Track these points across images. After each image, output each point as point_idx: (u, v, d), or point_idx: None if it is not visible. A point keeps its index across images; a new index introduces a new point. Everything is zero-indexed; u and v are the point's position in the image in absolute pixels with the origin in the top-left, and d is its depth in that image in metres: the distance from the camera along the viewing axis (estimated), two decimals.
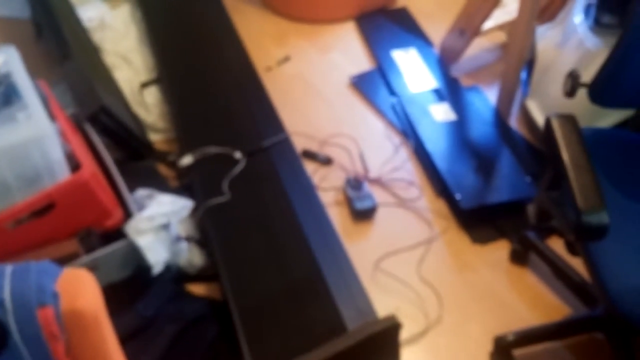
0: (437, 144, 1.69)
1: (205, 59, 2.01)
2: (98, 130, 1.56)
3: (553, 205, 1.02)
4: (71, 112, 1.57)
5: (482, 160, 1.64)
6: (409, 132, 1.78)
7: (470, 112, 1.82)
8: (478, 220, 1.53)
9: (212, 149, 1.61)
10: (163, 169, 1.69)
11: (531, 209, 1.10)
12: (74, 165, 1.27)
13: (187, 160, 1.58)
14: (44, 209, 1.20)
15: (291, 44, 2.20)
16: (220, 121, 1.76)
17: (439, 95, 1.88)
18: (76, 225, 1.28)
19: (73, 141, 1.30)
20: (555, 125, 0.98)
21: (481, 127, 1.76)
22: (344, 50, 2.17)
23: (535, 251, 1.42)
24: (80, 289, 0.69)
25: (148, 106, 1.89)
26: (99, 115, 1.54)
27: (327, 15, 2.30)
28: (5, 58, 1.22)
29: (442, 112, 1.81)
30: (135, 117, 1.83)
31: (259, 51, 2.13)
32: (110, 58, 2.09)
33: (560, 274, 1.35)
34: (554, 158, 0.97)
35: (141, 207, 1.38)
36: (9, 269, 0.67)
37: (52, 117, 1.31)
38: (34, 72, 1.36)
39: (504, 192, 1.54)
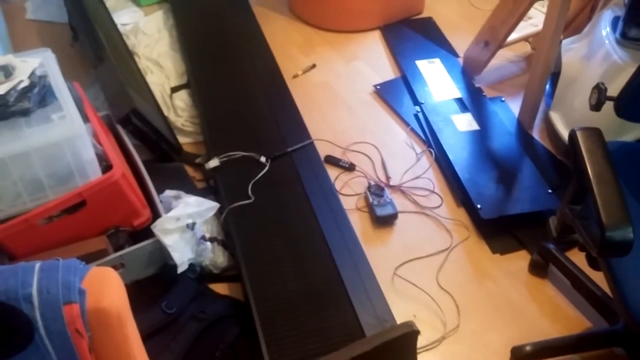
0: (459, 153, 1.71)
1: (234, 65, 2.06)
2: (129, 132, 1.62)
3: (576, 220, 1.02)
4: (104, 113, 1.63)
5: (503, 170, 1.65)
6: (431, 141, 1.80)
7: (492, 123, 1.82)
8: (498, 230, 1.54)
9: (238, 153, 1.65)
10: (190, 171, 1.74)
11: (553, 222, 1.10)
12: (105, 165, 1.32)
13: (213, 163, 1.62)
14: (75, 206, 1.25)
15: (317, 52, 2.23)
16: (247, 126, 1.80)
17: (462, 105, 1.90)
18: (105, 224, 1.33)
19: (105, 142, 1.35)
20: (580, 139, 0.98)
21: (503, 137, 1.77)
22: (369, 59, 2.19)
23: (555, 263, 1.41)
24: (106, 288, 0.72)
25: (178, 110, 1.94)
26: (130, 118, 1.59)
27: (353, 25, 2.33)
28: (42, 60, 1.28)
29: (465, 122, 1.82)
30: (165, 120, 1.88)
31: (286, 59, 2.17)
32: (143, 62, 2.16)
33: (580, 287, 1.35)
34: (578, 171, 0.97)
35: (168, 207, 1.43)
36: (37, 265, 0.71)
37: (85, 118, 1.37)
38: (69, 74, 1.42)
39: (525, 203, 1.55)
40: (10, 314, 0.66)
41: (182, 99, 1.97)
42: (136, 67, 2.10)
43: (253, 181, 1.57)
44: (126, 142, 1.58)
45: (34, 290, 0.68)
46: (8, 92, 1.14)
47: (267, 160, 1.63)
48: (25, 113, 1.16)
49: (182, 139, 1.87)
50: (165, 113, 1.94)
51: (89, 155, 1.21)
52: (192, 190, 1.62)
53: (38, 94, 1.20)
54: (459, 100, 1.91)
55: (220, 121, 1.82)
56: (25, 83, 1.18)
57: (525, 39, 2.10)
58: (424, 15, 2.40)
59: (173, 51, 2.19)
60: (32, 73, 1.21)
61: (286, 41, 2.29)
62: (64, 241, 1.28)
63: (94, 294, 0.71)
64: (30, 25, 2.42)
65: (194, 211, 1.38)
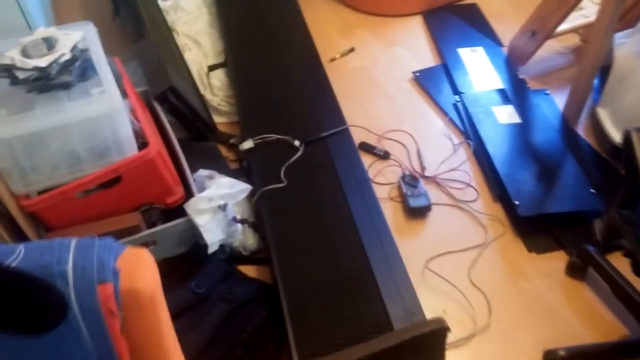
0: (498, 147, 1.65)
1: (272, 46, 2.04)
2: (166, 109, 1.62)
3: (625, 225, 0.97)
4: (141, 89, 1.63)
5: (544, 166, 1.59)
6: (469, 132, 1.75)
7: (535, 116, 1.76)
8: (536, 228, 1.49)
9: (273, 136, 1.63)
10: (224, 151, 1.73)
11: (598, 226, 1.06)
12: (142, 142, 1.32)
13: (247, 144, 1.61)
14: (110, 182, 1.25)
15: (356, 36, 2.19)
16: (282, 108, 1.79)
17: (504, 96, 1.83)
18: (140, 200, 1.33)
19: (142, 119, 1.35)
20: (635, 140, 0.94)
21: (546, 132, 1.71)
22: (409, 44, 2.14)
23: (595, 267, 1.36)
24: (140, 269, 0.72)
25: (214, 89, 1.94)
26: (167, 95, 1.59)
27: (395, 9, 2.28)
28: (84, 34, 1.28)
29: (506, 115, 1.77)
30: (201, 99, 1.88)
31: (324, 41, 2.13)
32: (182, 39, 2.15)
33: (620, 293, 1.30)
34: (631, 174, 0.92)
35: (201, 187, 1.42)
36: (74, 242, 0.70)
37: (124, 94, 1.37)
38: (109, 48, 1.42)
39: (565, 202, 1.49)
40: (45, 290, 0.66)
41: (219, 77, 1.96)
42: (175, 44, 2.10)
43: (286, 165, 1.55)
44: (162, 119, 1.58)
45: (69, 268, 0.68)
46: (50, 65, 1.14)
47: (301, 145, 1.61)
48: (66, 86, 1.16)
49: (217, 119, 1.86)
50: (202, 91, 1.93)
51: (126, 132, 1.21)
52: (225, 170, 1.62)
53: (79, 68, 1.20)
54: (501, 92, 1.85)
55: (256, 102, 1.81)
56: (67, 56, 1.18)
57: (575, 30, 2.02)
58: (469, 1, 2.33)
59: (212, 29, 2.18)
60: (74, 46, 1.21)
61: (325, 23, 2.25)
62: (99, 215, 1.29)
63: (127, 274, 0.70)
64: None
65: (226, 192, 1.38)
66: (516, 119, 1.75)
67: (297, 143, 1.61)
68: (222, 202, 1.36)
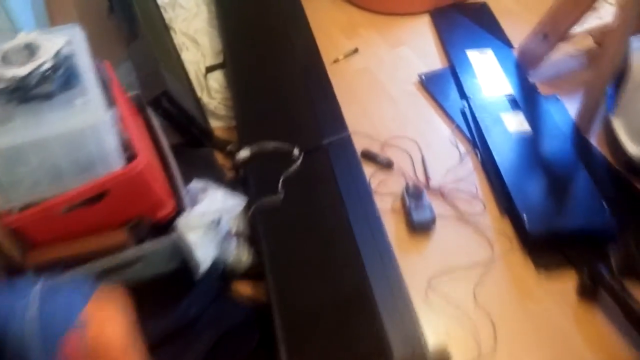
0: (507, 157, 1.58)
1: (273, 46, 1.96)
2: (159, 114, 1.55)
3: None
4: (134, 93, 1.56)
5: (555, 179, 1.52)
6: (477, 141, 1.67)
7: (546, 125, 1.68)
8: (545, 245, 1.42)
9: (271, 144, 1.56)
10: (221, 158, 1.67)
11: (614, 255, 0.99)
12: (130, 153, 1.25)
13: (244, 154, 1.54)
14: (96, 196, 1.19)
15: (361, 36, 2.11)
16: (282, 112, 1.71)
17: (513, 103, 1.75)
18: (127, 214, 1.27)
19: (131, 128, 1.28)
20: None
21: (557, 141, 1.63)
22: (415, 45, 2.06)
23: (606, 289, 1.29)
24: (110, 317, 0.66)
25: (211, 91, 1.87)
26: (160, 100, 1.52)
27: (401, 8, 2.19)
28: (69, 38, 1.21)
29: (516, 122, 1.69)
30: (198, 102, 1.81)
31: (327, 41, 2.06)
32: (179, 38, 2.08)
33: (632, 318, 1.23)
34: None
35: (194, 200, 1.36)
36: (38, 286, 0.64)
37: (112, 101, 1.30)
38: (102, 47, 1.35)
39: (576, 218, 1.42)
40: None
41: (217, 79, 1.89)
42: (171, 43, 2.03)
43: (284, 175, 1.48)
44: (155, 126, 1.51)
45: (32, 314, 0.62)
46: (30, 74, 1.08)
47: (300, 153, 1.54)
48: (47, 97, 1.10)
49: (214, 123, 1.79)
50: (199, 94, 1.86)
51: (111, 144, 1.14)
52: (221, 179, 1.55)
53: (62, 76, 1.13)
54: (511, 97, 1.77)
55: (254, 106, 1.73)
56: (49, 64, 1.11)
57: (589, 32, 1.93)
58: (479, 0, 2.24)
59: (211, 28, 2.11)
60: (57, 53, 1.14)
61: (328, 21, 2.17)
62: (84, 231, 1.23)
63: (97, 323, 0.64)
64: None
65: (220, 206, 1.31)
66: (526, 127, 1.67)
67: (296, 152, 1.54)
68: (215, 217, 1.30)
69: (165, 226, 1.33)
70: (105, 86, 1.32)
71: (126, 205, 1.25)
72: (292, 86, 1.80)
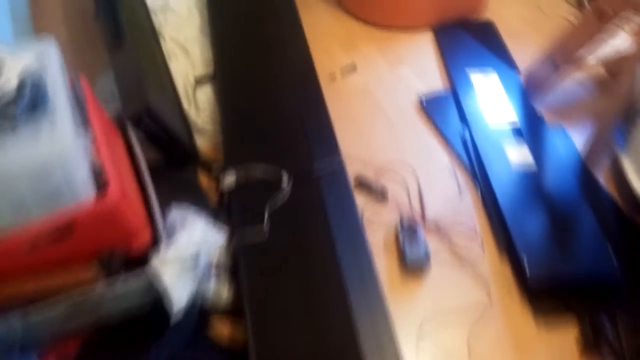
0: (508, 192, 1.49)
1: (266, 58, 1.86)
2: (140, 132, 1.45)
3: None
4: (114, 110, 1.46)
5: (558, 219, 1.43)
6: (477, 172, 1.58)
7: (551, 159, 1.59)
8: (545, 292, 1.33)
9: (258, 170, 1.46)
10: (205, 180, 1.57)
11: (621, 308, 0.89)
12: (103, 180, 1.15)
13: (229, 180, 1.44)
14: (63, 229, 1.09)
15: (360, 51, 2.01)
16: (272, 132, 1.62)
17: (517, 132, 1.66)
18: (98, 247, 1.17)
19: (106, 152, 1.18)
20: None
21: (562, 178, 1.54)
22: (416, 64, 1.96)
23: (609, 345, 1.20)
24: None
25: (199, 105, 1.76)
26: (142, 117, 1.42)
27: (402, 21, 2.09)
28: (41, 53, 1.11)
29: (519, 154, 1.59)
30: (184, 117, 1.71)
31: (324, 54, 1.96)
32: (168, 45, 1.98)
33: None
34: None
35: (173, 229, 1.26)
36: None
37: (86, 122, 1.20)
38: (88, 52, 1.23)
39: (580, 264, 1.33)
40: None
41: (206, 93, 1.79)
42: (160, 50, 1.92)
43: (271, 206, 1.39)
44: (134, 145, 1.41)
45: None
46: None
47: (289, 182, 1.44)
48: (10, 122, 0.99)
49: (201, 140, 1.69)
50: (186, 107, 1.76)
51: (81, 175, 1.04)
52: (204, 204, 1.46)
53: (28, 98, 1.03)
54: (514, 126, 1.68)
55: (242, 123, 1.63)
56: (14, 84, 1.01)
57: (601, 61, 1.84)
58: (485, 18, 2.14)
59: (202, 36, 2.00)
60: (23, 72, 1.04)
61: (327, 33, 2.07)
62: (50, 265, 1.13)
63: None
64: None
65: (200, 240, 1.21)
66: (529, 160, 1.58)
67: (285, 179, 1.45)
68: (194, 252, 1.20)
69: (141, 257, 1.24)
70: (81, 104, 1.23)
71: (97, 237, 1.15)
72: (283, 103, 1.70)
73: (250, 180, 1.45)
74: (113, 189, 1.10)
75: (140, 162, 1.38)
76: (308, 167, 1.48)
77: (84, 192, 1.07)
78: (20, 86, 1.02)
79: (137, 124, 1.43)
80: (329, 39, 2.05)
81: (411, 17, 2.10)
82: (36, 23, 1.97)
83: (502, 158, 1.58)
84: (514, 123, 1.69)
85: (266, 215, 1.37)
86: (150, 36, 1.94)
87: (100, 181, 1.13)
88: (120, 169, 1.26)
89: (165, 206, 1.34)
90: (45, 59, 1.13)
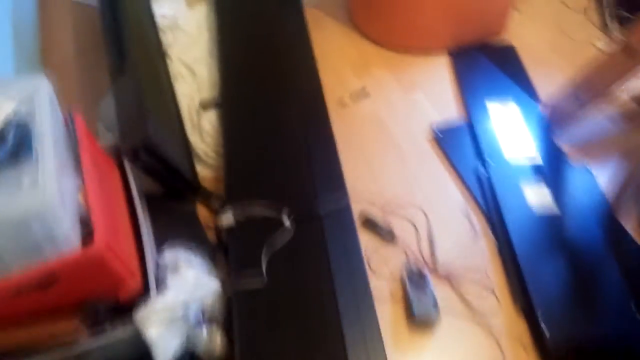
0: (526, 240, 1.39)
1: (273, 81, 1.79)
2: (137, 167, 1.38)
3: None
4: (110, 143, 1.40)
5: (580, 270, 1.33)
6: (493, 216, 1.48)
7: (573, 202, 1.48)
8: (565, 353, 1.23)
9: (258, 208, 1.38)
10: (205, 213, 1.50)
11: None
12: (89, 229, 1.08)
13: (227, 219, 1.37)
14: (44, 281, 1.02)
15: (372, 75, 1.92)
16: (276, 163, 1.55)
17: (537, 171, 1.56)
18: (82, 297, 1.11)
19: (95, 197, 1.11)
20: None
21: (585, 224, 1.43)
22: (431, 90, 1.87)
23: None
24: None
25: (203, 133, 1.69)
26: (138, 152, 1.35)
27: (418, 44, 1.99)
28: (29, 94, 1.04)
29: (538, 195, 1.49)
30: (187, 145, 1.64)
31: (334, 77, 1.88)
32: (175, 66, 1.91)
33: None
34: None
35: (164, 276, 1.20)
36: None
37: (77, 164, 1.14)
38: (94, 79, 1.14)
39: (603, 326, 1.23)
40: None
41: (211, 120, 1.72)
42: (165, 71, 1.86)
43: (270, 249, 1.31)
44: (130, 179, 1.35)
45: None
46: None
47: (291, 222, 1.37)
48: None
49: (203, 171, 1.62)
50: (189, 133, 1.69)
51: (63, 227, 0.98)
52: (202, 241, 1.39)
53: (11, 144, 0.97)
54: (534, 164, 1.58)
55: (245, 155, 1.56)
56: None
57: (632, 97, 1.72)
58: (506, 41, 2.03)
59: (210, 57, 1.93)
60: (9, 115, 0.98)
61: (338, 55, 1.99)
62: (35, 313, 1.06)
63: None
64: (73, 9, 2.18)
65: (190, 291, 1.14)
66: (550, 203, 1.47)
67: (286, 220, 1.37)
68: (184, 300, 1.13)
69: (130, 305, 1.17)
70: (73, 145, 1.17)
71: (82, 286, 1.08)
72: (289, 131, 1.62)
73: (249, 218, 1.38)
74: (98, 240, 1.03)
75: (136, 198, 1.31)
76: (311, 203, 1.41)
77: (67, 243, 1.00)
78: (4, 131, 0.96)
79: (134, 158, 1.36)
80: (339, 61, 1.97)
81: (427, 39, 2.00)
82: (46, 54, 1.91)
83: (519, 199, 1.49)
84: (534, 159, 1.59)
85: (263, 260, 1.30)
86: (156, 56, 1.87)
87: (86, 229, 1.07)
88: (113, 210, 1.20)
89: (162, 241, 1.29)
90: (36, 98, 1.06)
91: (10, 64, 1.55)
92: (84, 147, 1.17)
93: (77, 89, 1.78)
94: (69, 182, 1.05)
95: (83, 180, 1.11)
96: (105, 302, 1.13)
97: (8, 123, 0.98)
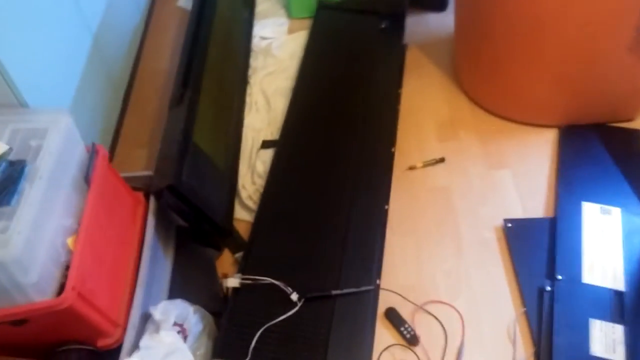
0: None
1: (340, 129, 1.66)
2: (162, 206, 1.36)
3: None
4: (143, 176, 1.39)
5: None
6: (542, 347, 1.22)
7: None
8: None
9: (268, 279, 1.28)
10: (229, 260, 1.44)
11: None
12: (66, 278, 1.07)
13: (232, 282, 1.29)
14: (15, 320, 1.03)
15: (459, 140, 1.69)
16: (309, 227, 1.42)
17: (618, 305, 1.25)
18: (57, 339, 1.10)
19: (85, 244, 1.08)
20: None
21: None
22: (522, 171, 1.59)
23: None
24: None
25: (255, 173, 1.62)
26: (163, 194, 1.32)
27: (524, 116, 1.71)
28: (43, 128, 1.05)
29: (607, 342, 1.19)
30: (232, 187, 1.57)
31: (412, 137, 1.69)
32: (254, 94, 1.86)
33: None
34: None
35: (147, 331, 1.16)
36: None
37: (82, 199, 1.13)
38: None
39: None
40: None
41: (264, 162, 1.64)
42: (240, 100, 1.81)
43: (267, 325, 1.21)
44: (149, 218, 1.33)
45: None
46: None
47: (300, 299, 1.25)
48: None
49: (243, 215, 1.55)
50: (243, 172, 1.63)
51: (29, 278, 0.96)
52: (212, 296, 1.34)
53: None
54: (617, 296, 1.26)
55: (281, 207, 1.47)
56: None
57: None
58: (632, 124, 1.67)
59: (290, 90, 1.85)
60: (5, 153, 0.99)
61: (426, 108, 1.78)
62: (10, 347, 1.09)
63: None
64: (178, 13, 2.24)
65: (158, 358, 1.08)
66: (619, 354, 1.17)
67: (294, 297, 1.25)
68: None
69: (110, 352, 1.15)
70: (86, 181, 1.16)
71: (54, 331, 1.08)
72: (337, 196, 1.48)
73: (255, 288, 1.28)
74: (68, 290, 1.01)
75: (147, 242, 1.29)
76: (326, 279, 1.27)
77: (36, 291, 0.99)
78: None
79: (159, 197, 1.34)
80: (426, 116, 1.76)
81: (537, 112, 1.70)
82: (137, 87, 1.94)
83: (581, 336, 1.20)
84: (618, 292, 1.27)
85: (259, 334, 1.20)
86: (236, 80, 1.84)
87: (64, 277, 1.05)
88: (109, 255, 1.18)
89: (173, 284, 1.31)
90: (50, 133, 1.07)
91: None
92: (95, 187, 1.16)
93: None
94: (58, 226, 1.04)
95: (78, 226, 1.10)
96: (79, 352, 1.12)
97: (2, 161, 0.98)
